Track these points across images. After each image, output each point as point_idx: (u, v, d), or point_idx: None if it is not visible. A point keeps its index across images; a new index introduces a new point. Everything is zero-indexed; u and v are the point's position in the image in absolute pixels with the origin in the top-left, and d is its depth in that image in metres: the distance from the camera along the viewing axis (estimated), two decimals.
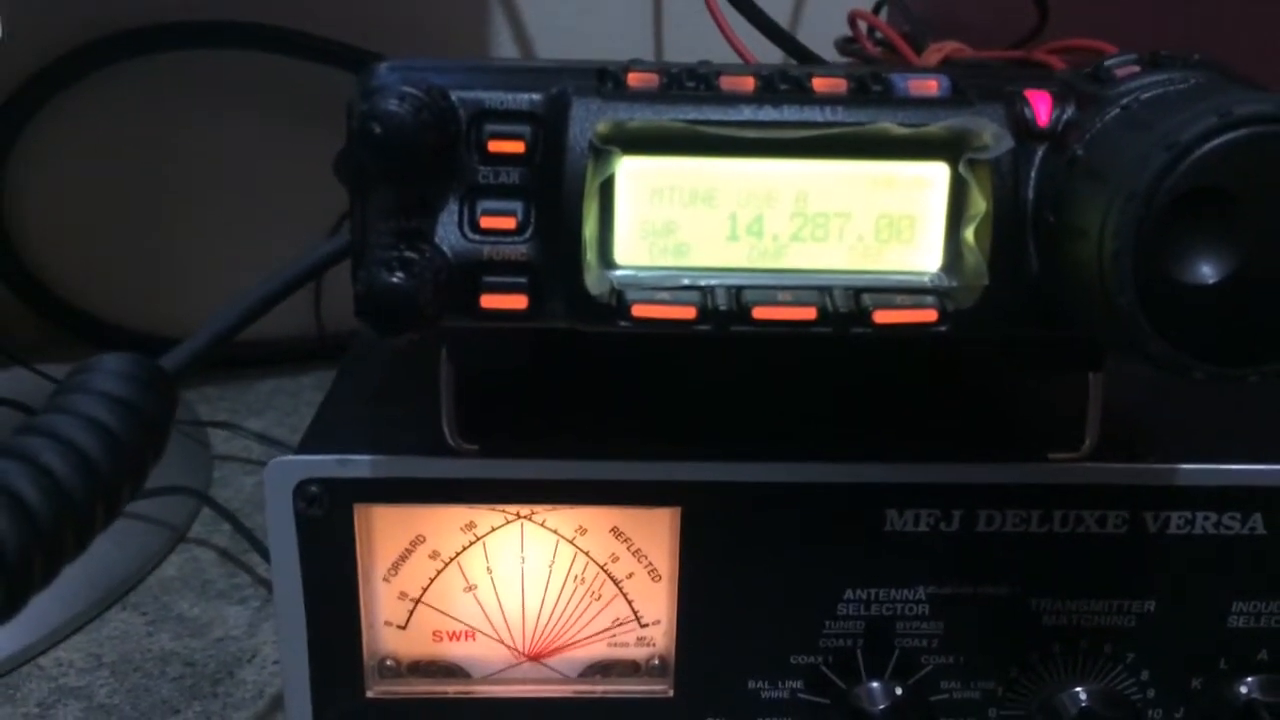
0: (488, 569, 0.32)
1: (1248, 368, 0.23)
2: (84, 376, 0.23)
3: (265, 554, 0.44)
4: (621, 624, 0.32)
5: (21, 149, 0.64)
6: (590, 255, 0.26)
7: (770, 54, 0.58)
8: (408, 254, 0.24)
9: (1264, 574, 0.31)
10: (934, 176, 0.26)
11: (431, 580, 0.32)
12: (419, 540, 0.31)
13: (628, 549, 0.31)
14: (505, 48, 0.67)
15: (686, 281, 0.26)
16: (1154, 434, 0.33)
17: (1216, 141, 0.22)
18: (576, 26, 0.67)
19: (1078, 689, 0.32)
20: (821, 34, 0.65)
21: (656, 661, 0.33)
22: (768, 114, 0.25)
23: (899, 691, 0.31)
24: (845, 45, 0.64)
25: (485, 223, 0.26)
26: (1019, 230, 0.25)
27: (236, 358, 0.64)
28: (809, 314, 0.26)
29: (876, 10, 0.66)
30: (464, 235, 0.26)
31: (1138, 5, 0.53)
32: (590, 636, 0.32)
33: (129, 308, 0.67)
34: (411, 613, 0.32)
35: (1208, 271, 0.22)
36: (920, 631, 0.32)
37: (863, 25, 0.63)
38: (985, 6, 0.62)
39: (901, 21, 0.63)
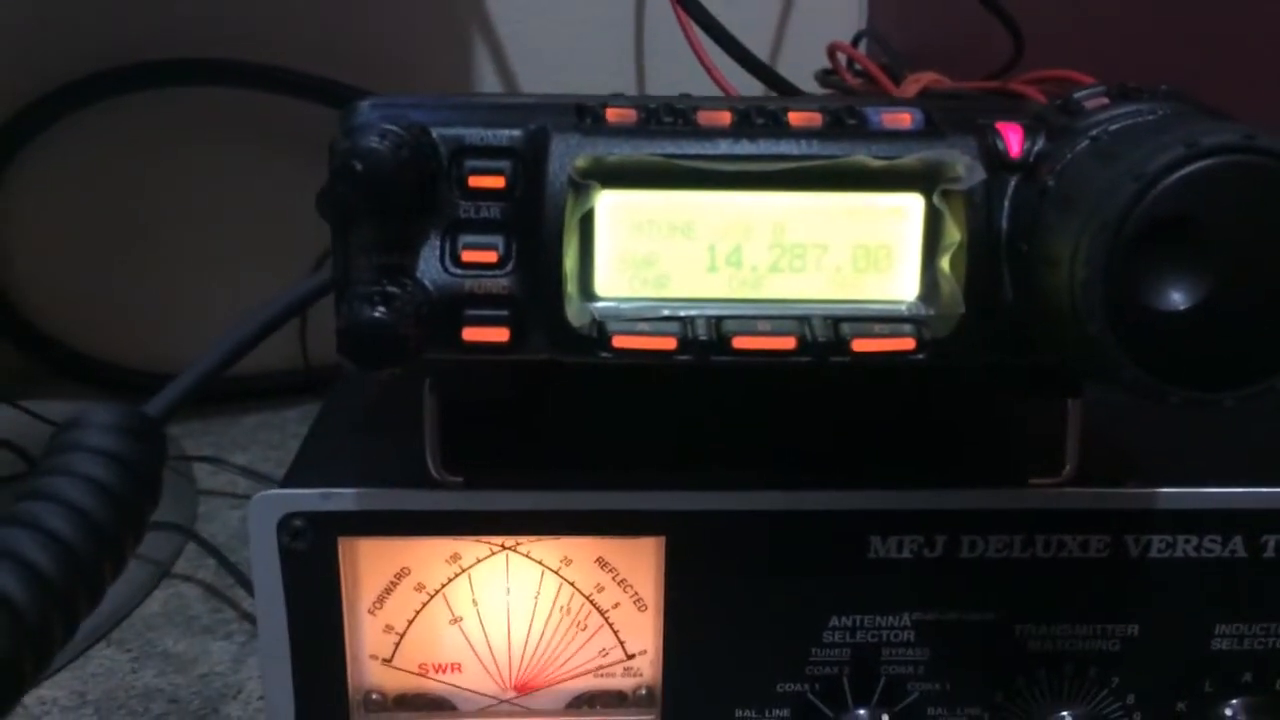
0: (473, 601, 0.32)
1: (1222, 392, 0.23)
2: (76, 434, 0.23)
3: (250, 589, 0.44)
4: (608, 654, 0.32)
5: (2, 187, 0.64)
6: (571, 287, 0.26)
7: (750, 86, 0.59)
8: (389, 289, 0.24)
9: (1246, 596, 0.31)
10: (909, 207, 0.26)
11: (417, 613, 0.32)
12: (404, 573, 0.31)
13: (613, 579, 0.32)
14: (488, 81, 0.67)
15: (667, 312, 0.27)
16: (1134, 458, 0.33)
17: (1183, 171, 0.22)
18: (559, 60, 0.67)
19: (1063, 713, 0.32)
20: (801, 66, 0.66)
21: (644, 692, 0.32)
22: (744, 148, 0.26)
23: (885, 718, 0.31)
24: (824, 77, 0.65)
25: (466, 257, 0.26)
26: (993, 259, 0.26)
27: (222, 392, 0.64)
28: (788, 343, 0.26)
29: (855, 43, 0.67)
30: (445, 269, 0.26)
31: (1111, 36, 0.54)
32: (577, 667, 0.32)
33: (113, 343, 0.67)
34: (397, 646, 0.32)
35: (1178, 298, 0.22)
36: (906, 658, 0.32)
37: (842, 57, 0.63)
38: (962, 38, 0.63)
39: (880, 54, 0.64)
